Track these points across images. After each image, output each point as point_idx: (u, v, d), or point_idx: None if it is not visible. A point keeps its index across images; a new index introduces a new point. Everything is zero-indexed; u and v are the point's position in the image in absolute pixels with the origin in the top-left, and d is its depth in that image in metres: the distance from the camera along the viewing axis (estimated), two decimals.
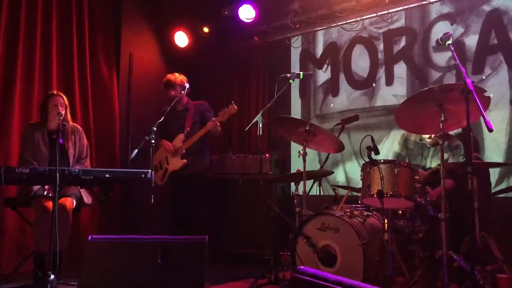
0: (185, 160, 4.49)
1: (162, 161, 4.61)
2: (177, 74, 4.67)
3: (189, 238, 2.43)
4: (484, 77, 4.44)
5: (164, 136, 4.57)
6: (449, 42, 2.85)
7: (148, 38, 5.70)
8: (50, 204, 3.41)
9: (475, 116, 2.69)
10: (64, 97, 3.83)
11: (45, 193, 3.50)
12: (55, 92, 3.87)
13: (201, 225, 4.47)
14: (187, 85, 4.58)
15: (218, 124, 4.40)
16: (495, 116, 4.24)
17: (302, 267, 1.53)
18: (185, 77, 4.68)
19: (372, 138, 3.16)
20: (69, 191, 3.62)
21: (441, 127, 2.86)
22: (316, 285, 1.39)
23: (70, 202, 3.55)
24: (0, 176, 2.98)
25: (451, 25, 4.68)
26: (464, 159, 3.66)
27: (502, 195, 3.75)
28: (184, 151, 4.50)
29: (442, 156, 2.90)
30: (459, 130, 3.64)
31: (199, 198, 4.62)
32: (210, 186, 5.12)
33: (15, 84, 4.31)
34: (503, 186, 4.14)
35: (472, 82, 2.61)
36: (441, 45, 2.93)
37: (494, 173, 4.20)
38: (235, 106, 4.38)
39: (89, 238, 2.44)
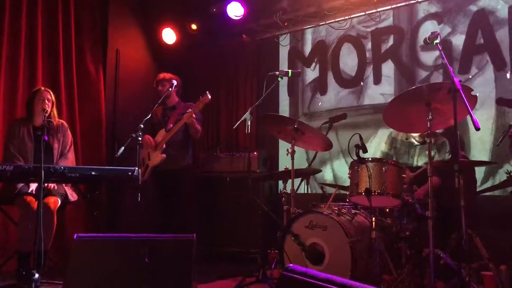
0: (164, 155, 4.41)
1: (144, 158, 4.56)
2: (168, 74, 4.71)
3: (177, 236, 2.39)
4: (470, 77, 4.48)
5: (150, 132, 4.53)
6: (437, 41, 2.86)
7: (135, 35, 5.65)
8: (34, 202, 3.36)
9: (462, 115, 2.71)
10: (51, 93, 3.78)
11: (30, 190, 3.45)
12: (42, 88, 3.82)
13: (185, 222, 4.43)
14: (175, 82, 4.55)
15: (194, 115, 4.34)
16: (481, 115, 4.28)
17: (291, 265, 1.51)
18: (177, 77, 4.67)
19: (360, 136, 3.17)
20: (54, 190, 3.56)
21: (428, 125, 2.87)
22: (306, 283, 1.39)
23: (54, 202, 3.49)
24: None
25: (439, 24, 4.72)
26: (450, 156, 3.70)
27: (487, 194, 3.79)
28: (164, 146, 4.44)
29: (430, 154, 2.91)
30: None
31: (181, 195, 4.58)
32: (196, 183, 5.09)
33: None
34: (488, 184, 4.19)
35: (460, 81, 2.63)
36: (428, 44, 2.93)
37: (479, 172, 4.25)
38: (209, 96, 4.30)
39: (75, 236, 2.40)
